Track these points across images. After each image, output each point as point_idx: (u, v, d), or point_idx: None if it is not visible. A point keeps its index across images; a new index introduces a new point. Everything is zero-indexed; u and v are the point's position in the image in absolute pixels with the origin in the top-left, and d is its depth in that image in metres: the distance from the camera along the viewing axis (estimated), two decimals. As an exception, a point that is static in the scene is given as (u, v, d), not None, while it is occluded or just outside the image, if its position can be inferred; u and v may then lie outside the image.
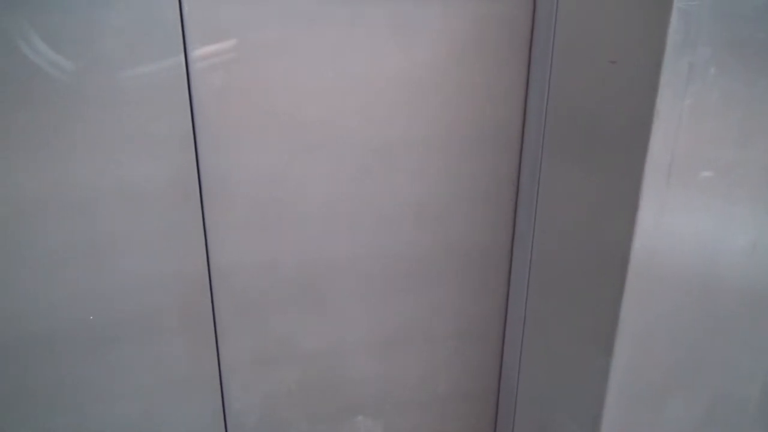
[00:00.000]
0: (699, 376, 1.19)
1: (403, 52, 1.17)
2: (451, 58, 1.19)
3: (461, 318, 1.39)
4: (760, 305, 1.16)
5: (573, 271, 1.19)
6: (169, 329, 1.23)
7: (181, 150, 1.12)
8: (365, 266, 1.30)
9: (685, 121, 0.94)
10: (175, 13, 1.04)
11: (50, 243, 1.11)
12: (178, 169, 1.13)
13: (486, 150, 1.28)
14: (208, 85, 1.11)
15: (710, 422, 1.24)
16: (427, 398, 1.45)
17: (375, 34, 1.15)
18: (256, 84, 1.14)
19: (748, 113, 0.98)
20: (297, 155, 1.19)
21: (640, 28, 0.94)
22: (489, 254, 1.35)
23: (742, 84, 0.95)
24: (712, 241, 1.08)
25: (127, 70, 1.05)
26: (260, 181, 1.19)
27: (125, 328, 1.20)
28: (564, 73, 1.14)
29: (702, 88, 0.93)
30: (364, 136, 1.21)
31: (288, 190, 1.21)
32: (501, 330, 1.41)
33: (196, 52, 1.09)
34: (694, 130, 0.95)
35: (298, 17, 1.11)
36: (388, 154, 1.23)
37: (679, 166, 0.98)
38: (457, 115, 1.24)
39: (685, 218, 1.04)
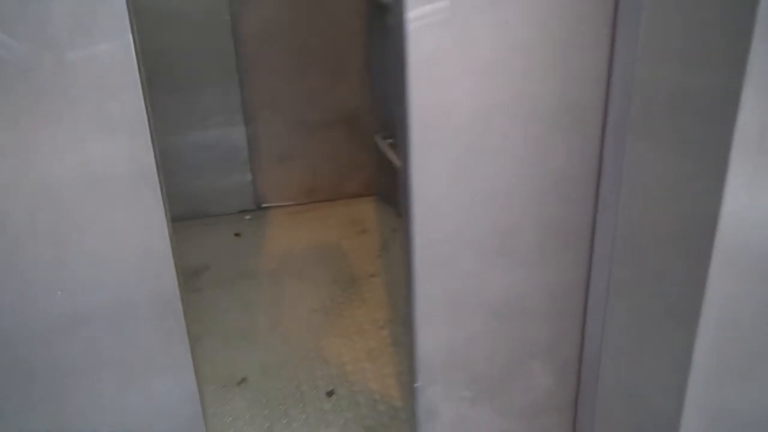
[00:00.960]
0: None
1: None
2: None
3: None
4: None
5: (658, 243, 1.17)
6: (136, 311, 1.28)
7: (135, 131, 1.15)
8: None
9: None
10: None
11: (12, 226, 1.15)
12: (133, 150, 1.16)
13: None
14: (422, 44, 1.14)
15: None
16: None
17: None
18: (462, 43, 1.16)
19: None
20: (490, 113, 1.23)
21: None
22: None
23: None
24: (808, 210, 1.04)
25: (76, 51, 1.07)
26: (459, 138, 1.23)
27: (91, 310, 1.25)
28: (652, 40, 1.12)
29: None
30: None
31: (481, 146, 1.25)
32: (583, 302, 1.40)
33: (413, 12, 1.11)
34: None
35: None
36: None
37: (771, 133, 0.94)
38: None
39: (777, 187, 1.01)
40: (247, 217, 3.27)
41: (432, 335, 1.39)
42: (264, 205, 3.34)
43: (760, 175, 0.98)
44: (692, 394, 1.15)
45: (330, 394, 2.04)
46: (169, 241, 1.25)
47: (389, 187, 3.35)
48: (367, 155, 3.36)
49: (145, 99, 1.15)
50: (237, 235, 3.09)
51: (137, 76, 1.12)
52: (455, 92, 1.20)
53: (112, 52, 1.09)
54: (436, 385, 1.45)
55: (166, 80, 2.97)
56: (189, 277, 2.75)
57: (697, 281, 1.08)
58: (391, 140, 3.10)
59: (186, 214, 3.21)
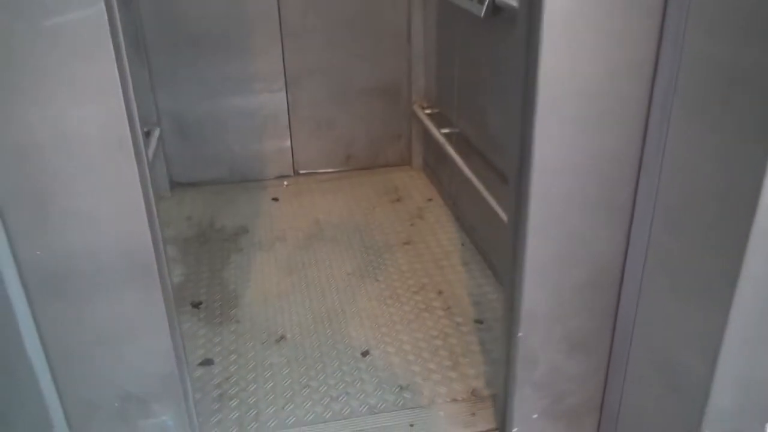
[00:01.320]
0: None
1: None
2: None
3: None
4: None
5: (699, 212, 1.19)
6: (114, 275, 1.31)
7: (109, 98, 1.16)
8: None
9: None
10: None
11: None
12: (108, 118, 1.18)
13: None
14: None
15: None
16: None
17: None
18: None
19: None
20: (617, 70, 1.27)
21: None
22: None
23: None
24: None
25: (51, 18, 1.10)
26: (582, 98, 1.27)
27: (71, 271, 1.29)
28: (702, 12, 1.13)
29: None
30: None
31: (598, 108, 1.29)
32: (621, 265, 1.43)
33: None
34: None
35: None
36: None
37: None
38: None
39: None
40: (285, 182, 3.34)
41: (536, 289, 1.45)
42: (301, 171, 3.40)
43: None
44: (724, 362, 1.18)
45: (365, 354, 2.10)
46: (146, 209, 1.28)
47: (425, 157, 3.38)
48: (404, 125, 3.39)
49: (120, 67, 1.17)
50: (275, 199, 3.16)
51: (110, 44, 1.14)
52: (583, 51, 1.23)
53: (85, 20, 1.12)
54: (536, 336, 1.51)
55: (210, 45, 3.02)
56: (230, 237, 2.83)
57: (737, 251, 1.10)
58: (430, 111, 3.12)
59: (226, 178, 3.29)
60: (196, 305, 2.37)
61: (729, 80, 1.08)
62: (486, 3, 1.95)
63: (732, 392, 1.21)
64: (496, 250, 2.46)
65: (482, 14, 1.97)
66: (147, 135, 2.88)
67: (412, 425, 1.82)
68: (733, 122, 1.09)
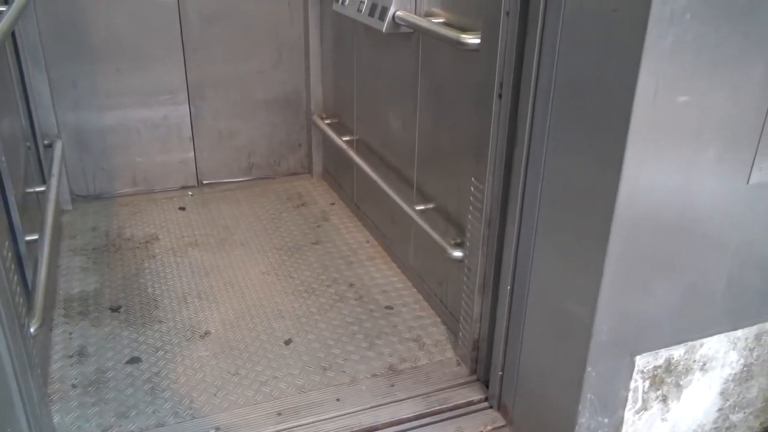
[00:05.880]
0: (676, 268, 1.49)
1: None
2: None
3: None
4: (725, 214, 1.46)
5: (576, 187, 1.47)
6: None
7: None
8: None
9: (667, 56, 1.22)
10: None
11: None
12: None
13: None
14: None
15: (687, 304, 1.54)
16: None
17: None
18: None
19: (715, 53, 1.27)
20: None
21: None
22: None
23: (711, 28, 1.24)
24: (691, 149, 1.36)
25: None
26: None
27: None
28: (572, 33, 1.41)
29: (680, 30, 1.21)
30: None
31: None
32: (516, 235, 1.69)
33: None
34: (675, 64, 1.24)
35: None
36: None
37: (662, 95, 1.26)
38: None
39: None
40: (190, 193, 3.40)
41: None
42: (205, 181, 3.48)
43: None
44: (603, 301, 1.45)
45: (288, 342, 2.25)
46: None
47: (325, 164, 3.58)
48: (304, 135, 3.57)
49: None
50: (182, 209, 3.23)
51: None
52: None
53: None
54: None
55: (114, 59, 3.06)
56: (141, 245, 2.87)
57: (606, 222, 1.38)
58: (329, 121, 3.33)
59: (129, 190, 3.31)
60: (115, 309, 2.41)
61: (591, 93, 1.37)
62: (387, 19, 2.19)
63: (608, 331, 1.50)
64: (399, 244, 2.70)
65: (384, 29, 2.21)
66: (48, 147, 2.87)
67: (338, 399, 2.00)
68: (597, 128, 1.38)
